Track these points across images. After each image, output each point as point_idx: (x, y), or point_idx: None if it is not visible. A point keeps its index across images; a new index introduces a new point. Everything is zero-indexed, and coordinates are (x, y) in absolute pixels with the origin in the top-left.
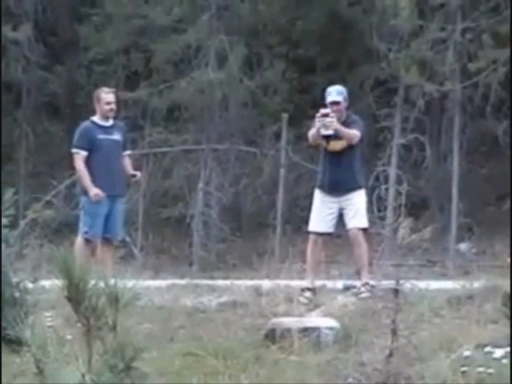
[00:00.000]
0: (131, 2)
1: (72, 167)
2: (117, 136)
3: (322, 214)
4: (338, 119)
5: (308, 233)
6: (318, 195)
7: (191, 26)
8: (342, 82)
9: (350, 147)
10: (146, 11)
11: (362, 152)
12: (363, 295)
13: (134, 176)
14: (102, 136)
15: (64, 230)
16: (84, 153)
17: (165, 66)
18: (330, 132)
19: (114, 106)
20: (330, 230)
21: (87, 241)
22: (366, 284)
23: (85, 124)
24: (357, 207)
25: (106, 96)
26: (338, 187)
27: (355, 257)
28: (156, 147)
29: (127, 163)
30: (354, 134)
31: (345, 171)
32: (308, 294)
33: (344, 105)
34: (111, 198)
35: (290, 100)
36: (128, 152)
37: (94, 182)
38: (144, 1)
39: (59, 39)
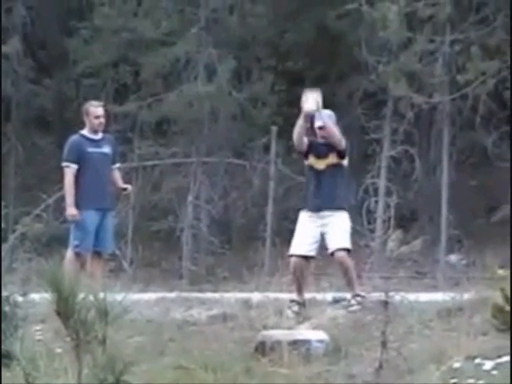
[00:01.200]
0: (120, 16)
1: (62, 181)
2: (106, 149)
3: (303, 237)
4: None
5: (289, 256)
6: (301, 217)
7: (180, 39)
8: (331, 93)
9: (335, 166)
10: (134, 24)
11: (351, 169)
12: (353, 308)
13: (124, 189)
14: (91, 149)
15: (54, 243)
16: (74, 166)
17: (154, 79)
18: (319, 123)
19: (102, 120)
20: (311, 253)
21: (77, 255)
22: (357, 295)
23: (74, 137)
24: (340, 229)
25: (95, 110)
26: (320, 206)
27: (343, 276)
28: (145, 160)
29: (117, 176)
30: (340, 139)
31: (328, 191)
32: (296, 307)
33: (331, 126)
34: (101, 212)
35: (279, 112)
36: (118, 165)
37: (84, 195)
38: (133, 14)
39: (48, 53)
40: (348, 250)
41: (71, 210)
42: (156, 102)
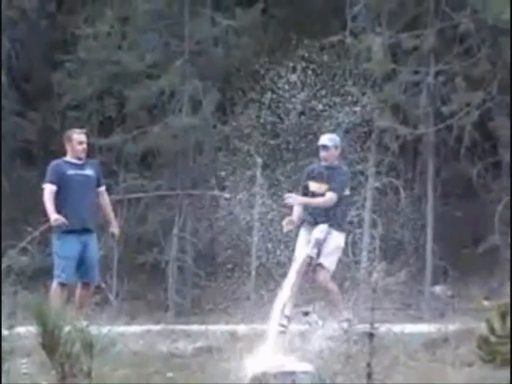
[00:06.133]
0: (104, 48)
1: (46, 214)
2: (88, 171)
3: (301, 247)
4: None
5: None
6: (300, 233)
7: (164, 72)
8: (315, 125)
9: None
10: (119, 57)
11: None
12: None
13: (112, 236)
14: (72, 172)
15: (39, 276)
16: (52, 187)
17: (138, 111)
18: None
19: (85, 146)
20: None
21: (62, 285)
22: (347, 320)
23: (56, 161)
24: (330, 247)
25: (78, 136)
26: (317, 222)
27: (327, 298)
28: (130, 193)
29: (105, 201)
30: (325, 201)
31: (324, 210)
32: (285, 321)
33: (334, 152)
34: (83, 235)
35: (263, 145)
36: (103, 187)
37: (65, 217)
38: (117, 47)
39: (33, 85)
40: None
41: (54, 216)
42: (141, 135)
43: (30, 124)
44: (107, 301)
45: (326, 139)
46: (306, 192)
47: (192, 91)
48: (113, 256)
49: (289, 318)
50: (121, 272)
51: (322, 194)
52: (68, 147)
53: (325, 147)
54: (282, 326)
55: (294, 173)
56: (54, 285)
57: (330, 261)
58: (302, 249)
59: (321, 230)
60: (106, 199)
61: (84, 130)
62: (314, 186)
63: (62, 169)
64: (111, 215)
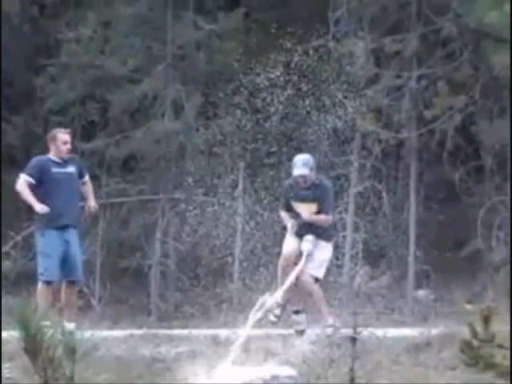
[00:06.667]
0: (87, 53)
1: (30, 218)
2: (70, 169)
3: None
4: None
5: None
6: (286, 237)
7: (147, 76)
8: (298, 129)
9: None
10: (101, 62)
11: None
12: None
13: (89, 208)
14: (56, 170)
15: (22, 281)
16: (28, 178)
17: (121, 116)
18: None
19: (69, 146)
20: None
21: (47, 283)
22: (331, 325)
23: (40, 157)
24: (319, 258)
25: (63, 136)
26: (303, 233)
27: (311, 303)
28: (113, 197)
29: (88, 189)
30: (327, 220)
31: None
32: (277, 310)
33: (310, 173)
34: (65, 232)
35: (246, 149)
36: (87, 177)
37: (48, 213)
38: (100, 51)
39: (16, 90)
40: (316, 279)
41: (38, 206)
42: (123, 139)
43: (13, 128)
44: (90, 305)
45: (300, 169)
46: (290, 208)
47: (174, 95)
48: (95, 260)
49: (283, 307)
50: (103, 276)
51: (314, 213)
52: (52, 147)
53: (302, 176)
54: (276, 316)
55: (277, 176)
56: (40, 285)
57: (319, 272)
58: (291, 245)
59: (310, 241)
60: (89, 187)
61: (68, 130)
62: (302, 207)
63: (45, 166)
64: (92, 196)
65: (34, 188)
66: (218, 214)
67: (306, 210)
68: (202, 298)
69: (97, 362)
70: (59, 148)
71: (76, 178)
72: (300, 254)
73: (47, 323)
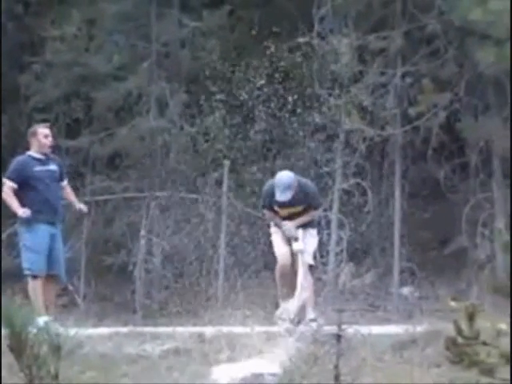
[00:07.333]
0: (71, 50)
1: (14, 216)
2: (52, 166)
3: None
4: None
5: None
6: (272, 232)
7: (132, 74)
8: (282, 127)
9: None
10: (86, 59)
11: None
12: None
13: (80, 210)
14: (37, 168)
15: (6, 279)
16: (12, 184)
17: (106, 113)
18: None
19: (50, 139)
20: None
21: (34, 277)
22: (314, 320)
23: (20, 158)
24: (310, 246)
25: (43, 130)
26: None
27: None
28: (98, 195)
29: (69, 191)
30: (313, 216)
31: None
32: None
33: (293, 191)
34: (51, 228)
35: (230, 146)
36: (66, 181)
37: (33, 211)
38: (84, 49)
39: (0, 88)
40: (310, 266)
41: (21, 210)
42: (108, 137)
43: None
44: (74, 303)
45: (283, 195)
46: (272, 208)
47: (159, 93)
48: (80, 258)
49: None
50: (88, 274)
51: (299, 213)
52: (34, 142)
53: (285, 201)
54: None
55: (262, 174)
56: (29, 281)
57: (312, 259)
58: (283, 248)
59: (300, 239)
60: (69, 191)
61: (48, 124)
62: (289, 210)
63: (27, 167)
64: (75, 199)
65: (17, 189)
66: (202, 211)
67: (293, 211)
68: (187, 295)
69: (82, 360)
70: (41, 142)
71: (58, 176)
72: (293, 254)
73: (32, 320)
